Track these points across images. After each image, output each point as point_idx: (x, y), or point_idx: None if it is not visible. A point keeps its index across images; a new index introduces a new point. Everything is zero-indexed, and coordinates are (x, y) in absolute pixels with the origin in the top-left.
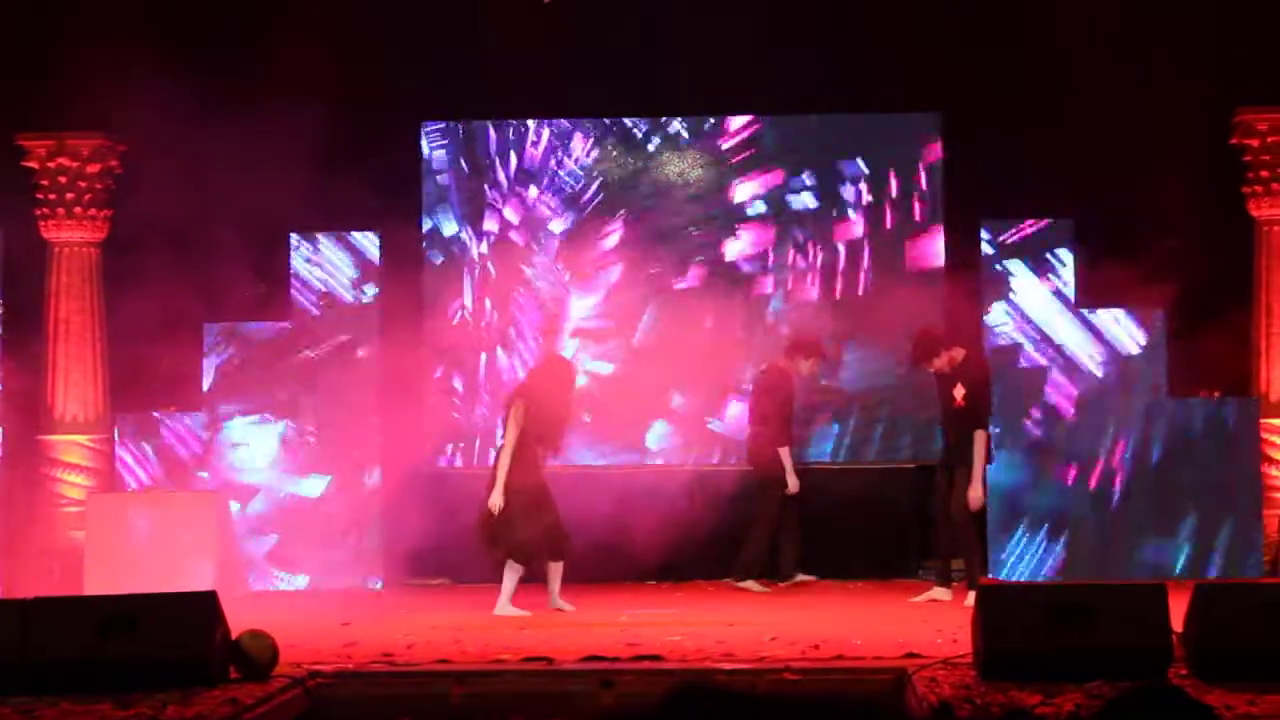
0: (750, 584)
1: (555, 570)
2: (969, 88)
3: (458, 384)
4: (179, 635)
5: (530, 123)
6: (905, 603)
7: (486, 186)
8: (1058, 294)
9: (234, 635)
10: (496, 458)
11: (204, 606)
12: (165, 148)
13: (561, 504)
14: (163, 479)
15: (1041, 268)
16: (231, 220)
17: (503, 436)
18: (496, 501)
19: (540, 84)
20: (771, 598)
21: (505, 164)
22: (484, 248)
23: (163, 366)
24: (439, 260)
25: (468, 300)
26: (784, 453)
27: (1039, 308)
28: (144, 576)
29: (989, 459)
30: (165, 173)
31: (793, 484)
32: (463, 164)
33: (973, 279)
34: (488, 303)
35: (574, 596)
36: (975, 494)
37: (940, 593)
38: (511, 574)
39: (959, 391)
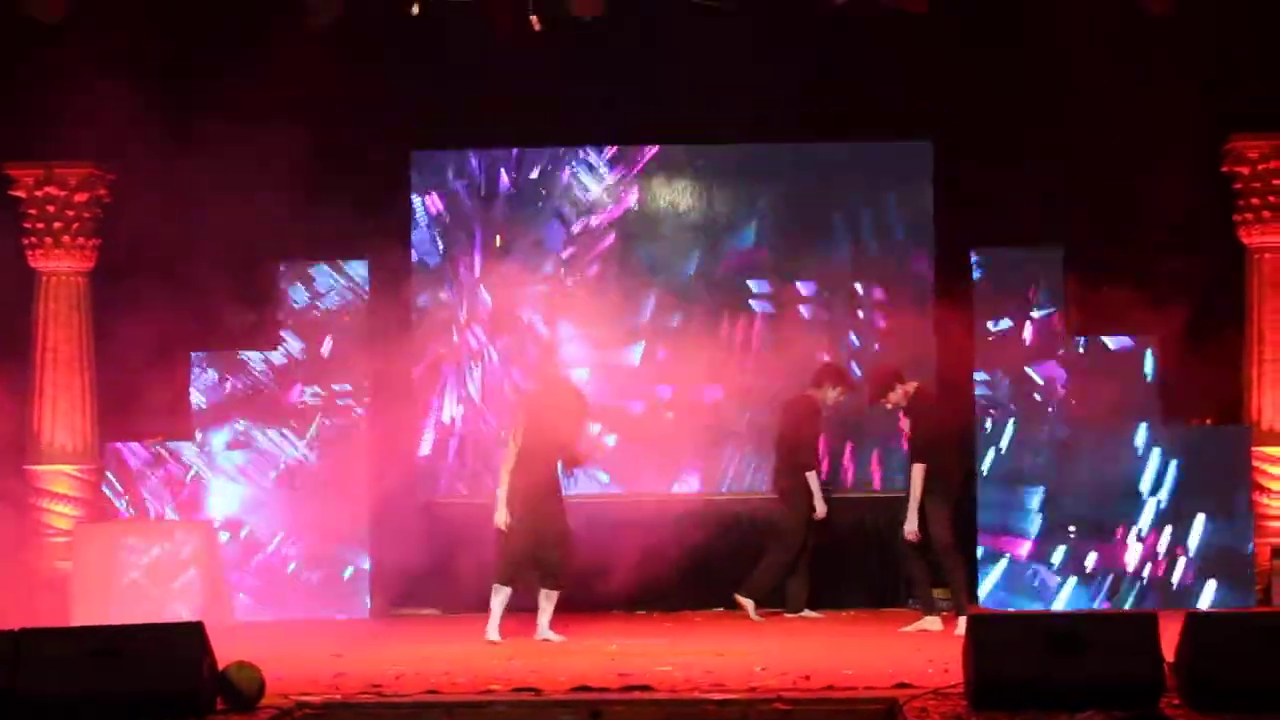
0: (749, 604)
1: (544, 600)
2: (958, 115)
3: (449, 412)
4: (166, 666)
5: (522, 151)
6: (896, 632)
7: (477, 215)
8: (1048, 321)
9: (221, 666)
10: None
11: (191, 637)
12: (153, 176)
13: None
14: (150, 509)
15: (1031, 295)
16: (219, 248)
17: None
18: (500, 518)
19: (531, 112)
20: (762, 627)
21: (496, 193)
22: (476, 274)
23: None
24: (428, 287)
25: (459, 328)
26: (812, 478)
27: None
28: (131, 607)
29: (959, 492)
30: (153, 201)
31: (820, 509)
32: (453, 192)
33: (963, 306)
34: (480, 330)
35: (563, 626)
36: (909, 528)
37: (930, 622)
38: (495, 596)
39: (905, 424)
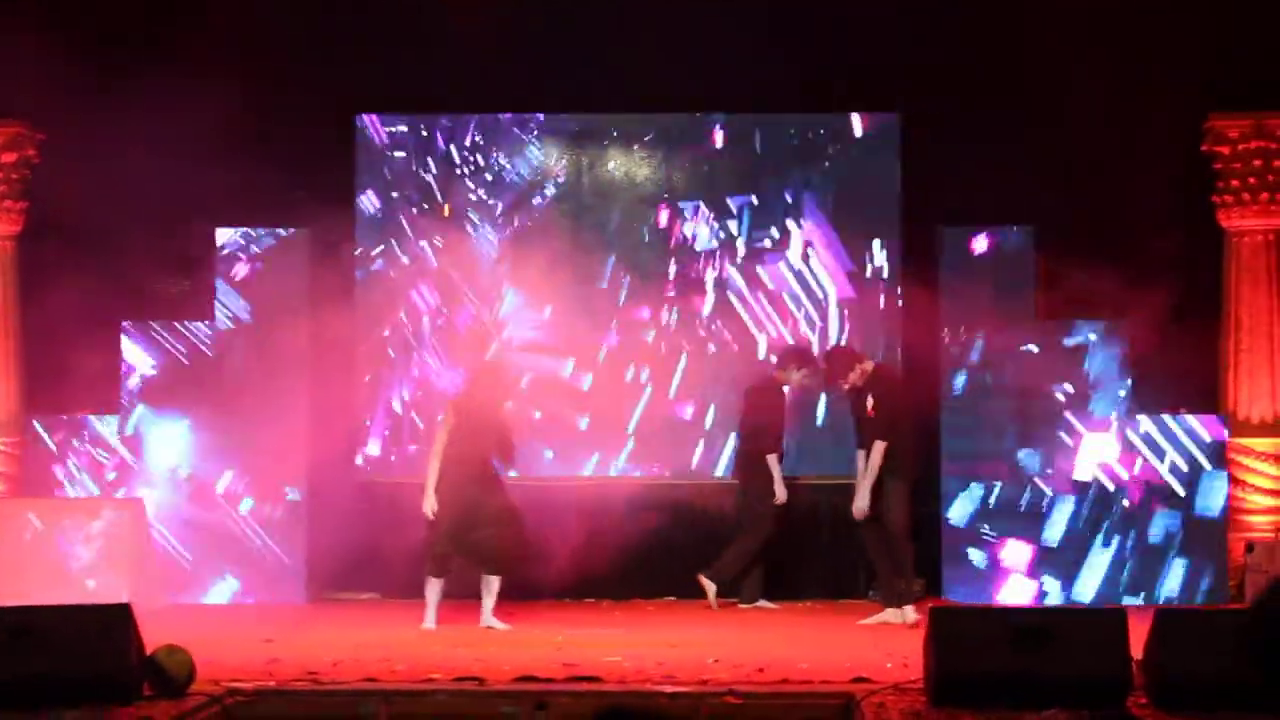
0: (712, 588)
1: (487, 585)
2: (927, 87)
3: (392, 390)
4: (91, 650)
5: (471, 116)
6: (854, 625)
7: (424, 184)
8: (1018, 305)
9: (149, 650)
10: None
11: (118, 620)
12: (85, 138)
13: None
14: (77, 484)
15: (1001, 277)
16: (153, 214)
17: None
18: (429, 506)
19: (484, 76)
20: (716, 617)
21: (445, 160)
22: (422, 246)
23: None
24: (372, 259)
25: (403, 300)
26: (772, 461)
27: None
28: (55, 587)
29: (915, 473)
30: (85, 164)
31: (780, 494)
32: (399, 159)
33: (930, 286)
34: (424, 306)
35: (508, 614)
36: (860, 504)
37: (891, 614)
38: (427, 589)
39: (869, 402)
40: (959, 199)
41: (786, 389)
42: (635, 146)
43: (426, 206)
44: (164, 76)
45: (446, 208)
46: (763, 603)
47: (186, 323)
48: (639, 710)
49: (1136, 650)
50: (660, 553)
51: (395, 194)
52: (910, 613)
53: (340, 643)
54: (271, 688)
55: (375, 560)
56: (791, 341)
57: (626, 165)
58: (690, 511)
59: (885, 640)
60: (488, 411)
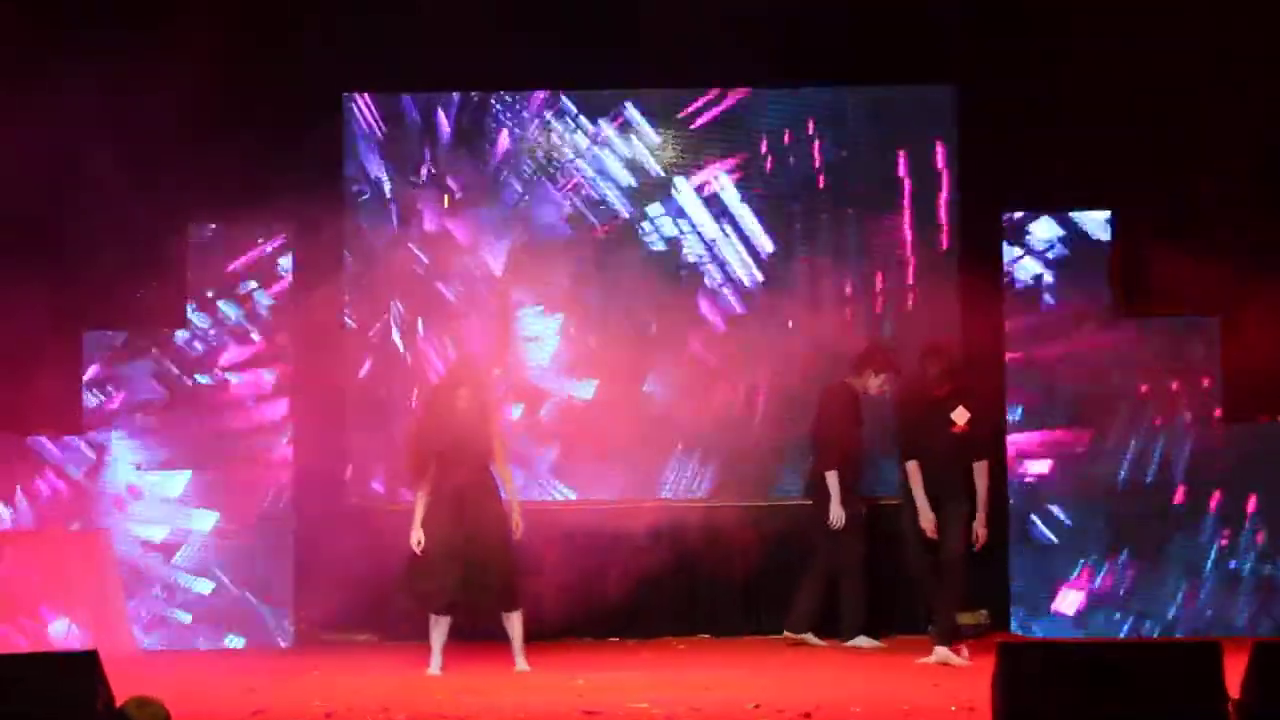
0: (861, 640)
1: (509, 624)
2: (986, 57)
3: (387, 401)
4: (52, 703)
5: (472, 95)
6: (912, 664)
7: (415, 170)
8: (1091, 298)
9: (118, 702)
10: None
11: (83, 669)
12: (41, 131)
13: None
14: (35, 516)
15: (1074, 268)
16: (117, 211)
17: None
18: (415, 538)
19: (480, 51)
20: (756, 656)
21: (437, 144)
22: (419, 239)
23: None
24: (363, 254)
25: (396, 299)
26: (831, 478)
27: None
28: (11, 633)
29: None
30: (41, 159)
31: (834, 515)
32: (387, 142)
33: (992, 278)
34: (418, 315)
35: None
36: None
37: (945, 654)
38: (434, 628)
39: (958, 414)
40: (1023, 181)
41: (871, 393)
42: (661, 126)
43: (423, 195)
44: (130, 61)
45: (446, 198)
46: (810, 637)
47: (156, 331)
48: None
49: (1233, 688)
50: (690, 584)
51: (386, 182)
52: (954, 654)
53: (333, 691)
54: None
55: (371, 597)
56: (869, 342)
57: (650, 148)
58: (723, 538)
59: (947, 681)
60: (472, 421)
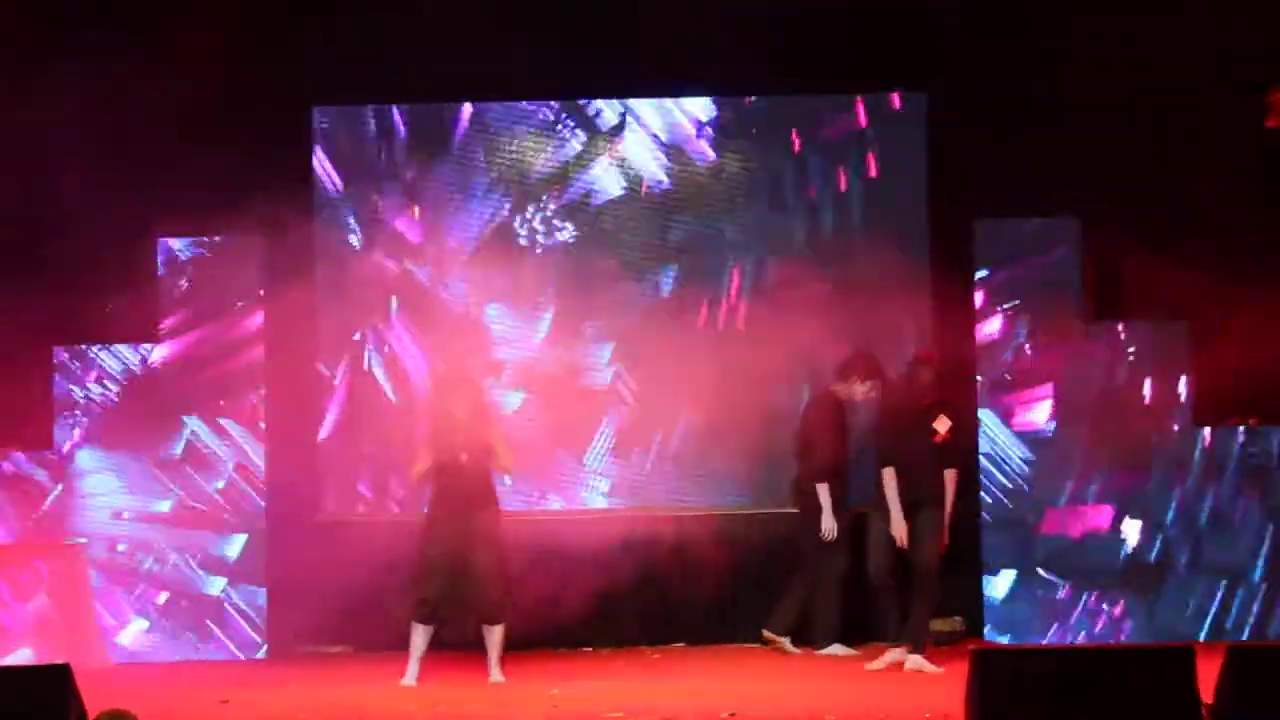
0: (836, 648)
1: (489, 637)
2: (959, 65)
3: (359, 415)
4: (25, 717)
5: (440, 106)
6: (885, 672)
7: (388, 182)
8: (1063, 305)
9: (91, 716)
10: None
11: (56, 682)
12: (7, 138)
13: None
14: (5, 528)
15: (1044, 274)
16: (87, 222)
17: None
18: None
19: (455, 61)
20: (732, 665)
21: (411, 154)
22: (390, 251)
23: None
24: (334, 266)
25: (371, 314)
26: (822, 490)
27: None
28: None
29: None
30: (6, 167)
31: (826, 527)
32: (360, 154)
33: (962, 285)
34: (395, 318)
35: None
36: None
37: (901, 654)
38: (415, 635)
39: (939, 423)
40: (993, 186)
41: (857, 400)
42: (641, 134)
43: (395, 209)
44: (97, 70)
45: (416, 209)
46: (787, 644)
47: (126, 345)
48: None
49: (1206, 693)
50: (665, 593)
51: (357, 194)
52: (924, 662)
53: (307, 703)
54: None
55: (345, 609)
56: (856, 350)
57: (627, 157)
58: (699, 546)
59: (920, 688)
60: (468, 430)
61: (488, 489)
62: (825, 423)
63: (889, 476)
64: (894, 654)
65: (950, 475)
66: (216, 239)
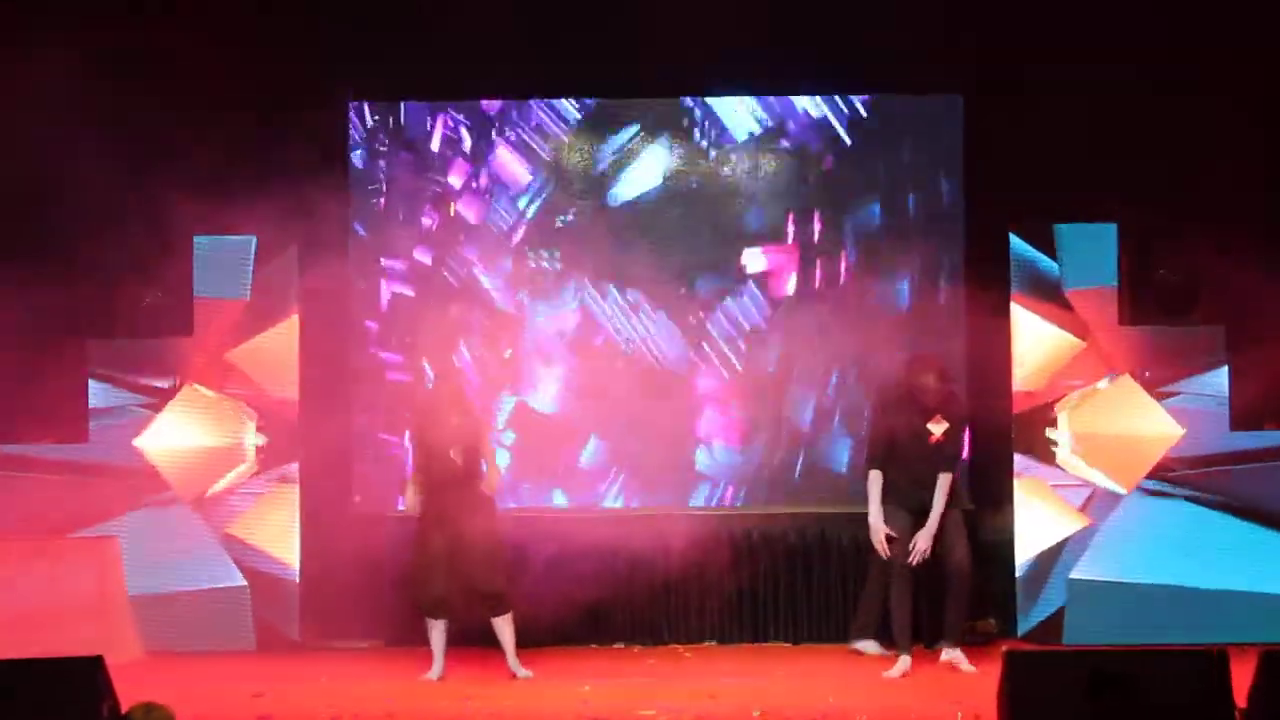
0: (869, 646)
1: (499, 631)
2: (994, 66)
3: (396, 412)
4: (57, 709)
5: (481, 103)
6: (915, 672)
7: (425, 179)
8: (1098, 307)
9: (124, 709)
10: None
11: (88, 674)
12: (46, 133)
13: (510, 552)
14: (41, 520)
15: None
16: (122, 219)
17: None
18: (410, 504)
19: (492, 58)
20: (761, 663)
21: (449, 153)
22: (428, 249)
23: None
24: (369, 263)
25: (407, 311)
26: (870, 479)
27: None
28: (14, 639)
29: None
30: (45, 163)
31: (871, 522)
32: (396, 152)
33: (998, 292)
34: (429, 322)
35: (527, 661)
36: (924, 547)
37: (958, 655)
38: (430, 630)
39: (936, 425)
40: (1030, 193)
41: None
42: (662, 133)
43: (432, 205)
44: (130, 58)
45: (452, 206)
46: (868, 645)
47: (161, 339)
48: None
49: (1240, 696)
50: (697, 591)
51: (393, 191)
52: (962, 656)
53: (339, 696)
54: None
55: (375, 603)
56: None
57: (654, 158)
58: (732, 544)
59: (952, 688)
60: (462, 432)
61: (478, 490)
62: (876, 417)
63: (874, 479)
64: (949, 653)
65: (944, 479)
66: (252, 235)
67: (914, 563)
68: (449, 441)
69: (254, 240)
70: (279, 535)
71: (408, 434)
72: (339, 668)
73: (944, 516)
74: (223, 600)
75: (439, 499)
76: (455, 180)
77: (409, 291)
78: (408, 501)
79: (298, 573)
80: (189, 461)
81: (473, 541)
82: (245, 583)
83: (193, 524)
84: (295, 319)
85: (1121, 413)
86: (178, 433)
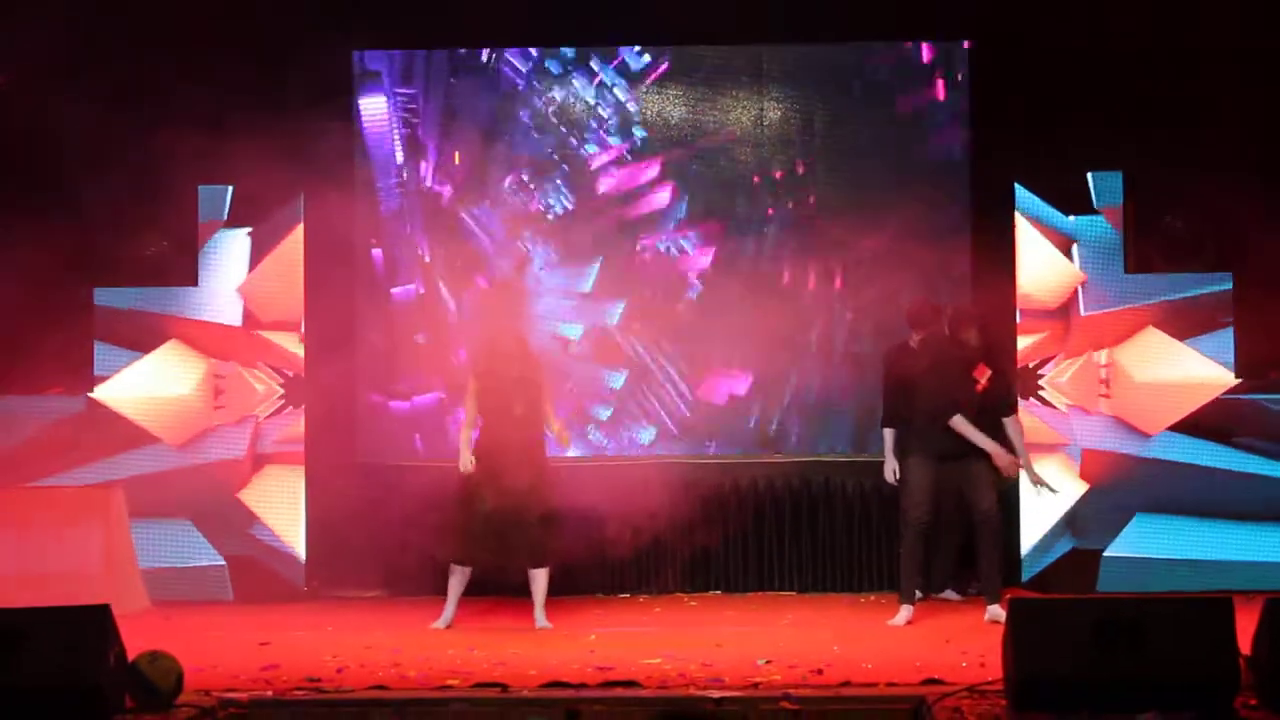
0: (948, 594)
1: (534, 581)
2: (1001, 14)
3: (398, 364)
4: (65, 658)
5: (492, 51)
6: (919, 620)
7: (430, 127)
8: (1105, 259)
9: (131, 657)
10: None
11: (95, 623)
12: (52, 84)
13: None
14: (48, 469)
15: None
16: (125, 167)
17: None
18: (465, 463)
19: (496, 5)
20: (769, 613)
21: (456, 101)
22: (432, 199)
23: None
24: (375, 214)
25: (413, 263)
26: (886, 435)
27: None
28: (21, 588)
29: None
30: (51, 113)
31: (887, 471)
32: (404, 101)
33: (1004, 244)
34: (437, 272)
35: (529, 610)
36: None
37: (996, 612)
38: (452, 577)
39: (980, 372)
40: (1037, 142)
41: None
42: (668, 83)
43: (437, 157)
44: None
45: (457, 155)
46: (949, 594)
47: (167, 289)
48: (683, 717)
49: (1244, 644)
50: (703, 541)
51: (402, 139)
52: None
53: (345, 646)
54: (269, 697)
55: (382, 553)
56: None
57: (663, 107)
58: (738, 494)
59: (960, 637)
60: (524, 385)
61: (535, 437)
62: (888, 372)
63: (961, 422)
64: (993, 611)
65: (1010, 422)
66: (257, 185)
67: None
68: (510, 394)
69: (258, 191)
70: (285, 485)
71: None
72: (345, 617)
73: (974, 465)
74: (229, 551)
75: (495, 456)
76: (460, 129)
77: (419, 237)
78: (462, 459)
79: (304, 522)
80: (186, 413)
81: (527, 498)
82: (252, 533)
83: (199, 476)
84: (300, 266)
85: (1155, 359)
86: (175, 384)
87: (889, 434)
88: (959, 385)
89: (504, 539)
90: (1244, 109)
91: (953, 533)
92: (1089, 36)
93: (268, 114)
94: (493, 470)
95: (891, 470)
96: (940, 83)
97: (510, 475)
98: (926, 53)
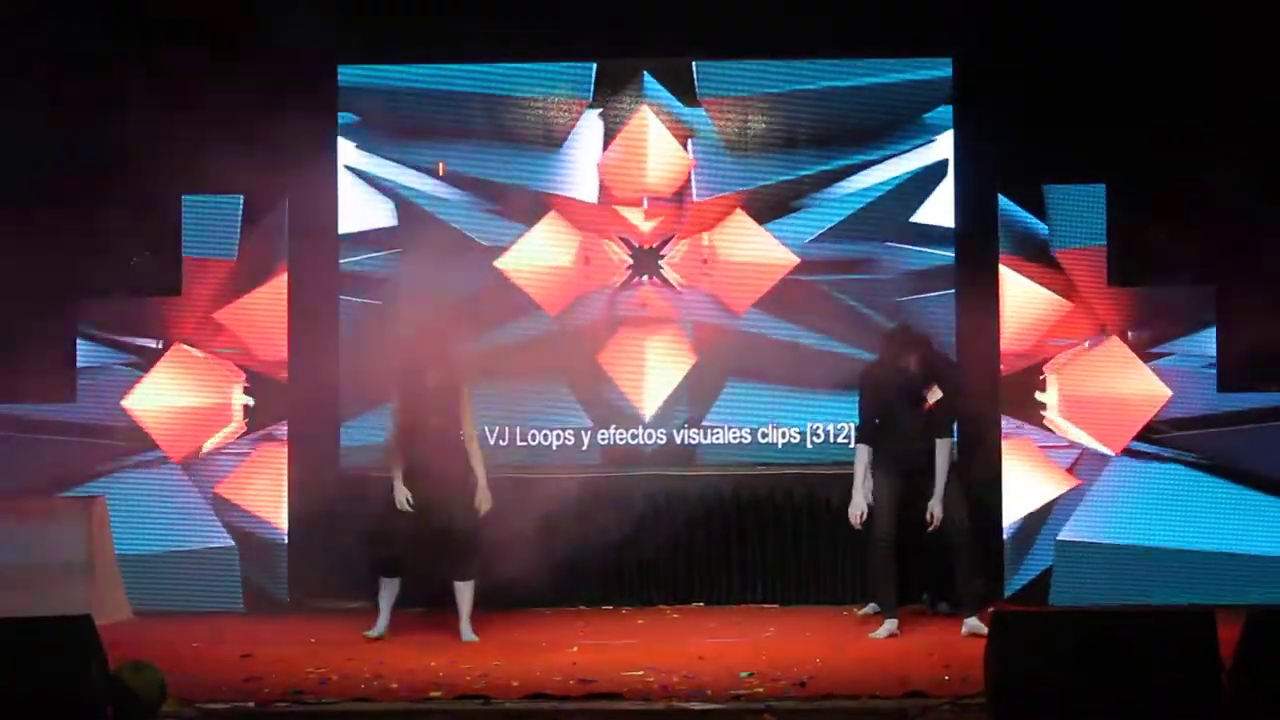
0: (942, 606)
1: (459, 594)
2: (985, 29)
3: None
4: (46, 667)
5: (470, 67)
6: (907, 634)
7: (412, 140)
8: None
9: (113, 667)
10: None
11: (77, 633)
12: (33, 93)
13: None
14: (28, 480)
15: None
16: (109, 177)
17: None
18: (400, 498)
19: (486, 17)
20: (751, 625)
21: (439, 116)
22: (415, 208)
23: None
24: (358, 224)
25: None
26: (857, 453)
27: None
28: (3, 599)
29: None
30: (32, 122)
31: (854, 493)
32: (388, 115)
33: (987, 255)
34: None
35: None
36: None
37: (977, 624)
38: (382, 589)
39: (929, 391)
40: (1020, 155)
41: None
42: (648, 95)
43: (422, 168)
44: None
45: (441, 166)
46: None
47: (148, 298)
48: None
49: (1226, 656)
50: (685, 552)
51: (384, 152)
52: (980, 624)
53: (327, 657)
54: (250, 709)
55: (363, 564)
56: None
57: (654, 113)
58: (721, 505)
59: (942, 649)
60: (441, 395)
61: (456, 451)
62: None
63: (861, 452)
64: (970, 624)
65: (943, 445)
66: (240, 195)
67: (931, 529)
68: (428, 401)
69: (241, 200)
70: (267, 496)
71: (465, 393)
72: (327, 629)
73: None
74: (210, 561)
75: (417, 463)
76: (443, 140)
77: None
78: (387, 460)
79: (286, 533)
80: (176, 421)
81: (449, 505)
82: (234, 544)
83: (181, 485)
84: (284, 278)
85: (1109, 374)
86: (165, 393)
87: (863, 450)
88: (888, 407)
89: (429, 552)
90: (1227, 120)
91: (947, 549)
92: (1073, 52)
93: (251, 123)
94: (412, 487)
95: (859, 514)
96: (922, 97)
97: (430, 491)
98: (909, 66)
